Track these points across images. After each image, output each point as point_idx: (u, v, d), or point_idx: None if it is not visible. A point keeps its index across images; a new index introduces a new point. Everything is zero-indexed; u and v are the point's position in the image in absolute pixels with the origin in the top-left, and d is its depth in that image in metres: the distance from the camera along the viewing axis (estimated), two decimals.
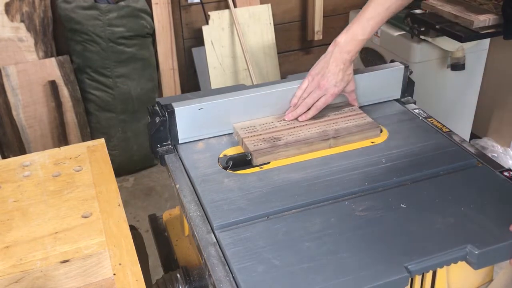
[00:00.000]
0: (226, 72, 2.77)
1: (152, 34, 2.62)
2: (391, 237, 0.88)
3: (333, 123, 1.20)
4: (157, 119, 1.14)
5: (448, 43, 2.13)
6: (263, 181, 1.03)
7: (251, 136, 1.15)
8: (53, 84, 2.47)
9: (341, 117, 1.22)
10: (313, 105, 1.20)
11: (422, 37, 2.15)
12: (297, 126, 1.19)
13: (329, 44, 1.20)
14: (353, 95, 1.25)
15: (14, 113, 2.45)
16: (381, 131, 1.20)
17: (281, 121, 1.21)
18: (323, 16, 3.00)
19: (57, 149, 1.18)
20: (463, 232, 0.88)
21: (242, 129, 1.18)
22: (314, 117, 1.21)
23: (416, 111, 1.29)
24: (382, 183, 1.02)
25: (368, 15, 1.16)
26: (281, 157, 1.11)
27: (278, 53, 2.91)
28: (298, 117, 1.21)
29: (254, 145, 1.11)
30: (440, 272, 0.95)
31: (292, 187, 1.01)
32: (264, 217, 0.94)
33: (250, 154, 1.10)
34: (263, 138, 1.14)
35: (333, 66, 1.17)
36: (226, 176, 1.05)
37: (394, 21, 2.32)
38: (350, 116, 1.22)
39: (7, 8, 2.36)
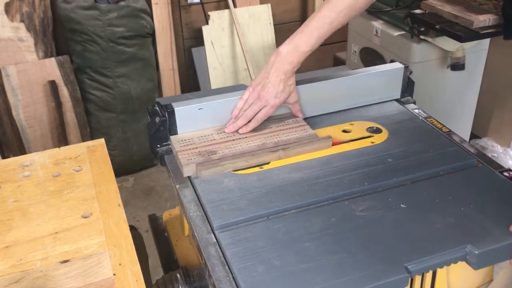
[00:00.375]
0: (226, 72, 2.77)
1: (152, 34, 2.62)
2: (391, 237, 0.88)
3: (274, 136, 1.15)
4: (157, 119, 1.14)
5: (448, 43, 2.13)
6: (263, 181, 1.03)
7: (186, 150, 1.10)
8: (53, 84, 2.47)
9: (283, 129, 1.18)
10: (254, 117, 1.16)
11: (422, 37, 2.15)
12: (236, 139, 1.14)
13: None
14: (297, 106, 1.21)
15: (14, 113, 2.45)
16: (382, 131, 1.20)
17: (221, 133, 1.17)
18: None
19: (57, 149, 1.18)
20: (463, 232, 0.88)
21: (179, 142, 1.13)
22: (255, 129, 1.17)
23: (416, 111, 1.29)
24: (382, 183, 1.02)
25: (312, 27, 1.13)
26: (216, 172, 1.06)
27: None
28: (238, 130, 1.17)
29: (187, 159, 1.07)
30: (440, 272, 0.95)
31: (292, 187, 1.01)
32: (264, 217, 0.94)
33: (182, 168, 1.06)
34: (199, 151, 1.10)
35: (274, 76, 1.14)
36: (226, 176, 1.05)
37: (394, 21, 2.32)
38: (292, 128, 1.18)
39: (7, 8, 2.36)
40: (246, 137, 1.15)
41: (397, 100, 1.35)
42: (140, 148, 2.71)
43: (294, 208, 0.96)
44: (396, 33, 2.28)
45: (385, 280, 0.79)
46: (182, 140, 1.14)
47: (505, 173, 1.04)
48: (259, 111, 1.16)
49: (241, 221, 0.93)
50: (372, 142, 1.16)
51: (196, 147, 1.11)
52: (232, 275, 0.82)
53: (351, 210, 0.95)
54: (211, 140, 1.14)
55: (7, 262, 0.87)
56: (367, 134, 1.20)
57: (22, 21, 2.39)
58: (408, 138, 1.17)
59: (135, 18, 2.47)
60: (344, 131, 1.21)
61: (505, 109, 2.60)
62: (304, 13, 3.05)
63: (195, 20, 2.83)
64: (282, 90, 1.15)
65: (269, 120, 1.20)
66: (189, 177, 1.07)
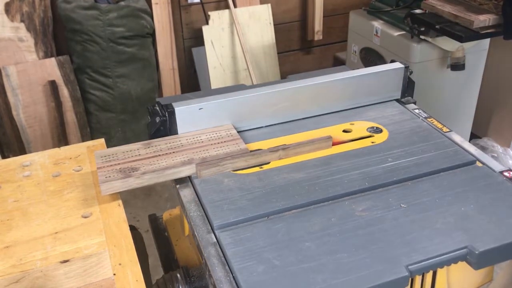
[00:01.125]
0: (226, 72, 2.77)
1: (152, 34, 2.62)
2: (391, 237, 0.88)
3: (203, 151, 1.11)
4: (157, 119, 1.14)
5: (448, 43, 2.13)
6: (263, 181, 1.03)
7: (107, 166, 1.06)
8: (53, 84, 2.47)
9: (214, 144, 1.13)
10: None
11: (422, 37, 2.15)
12: (162, 154, 1.09)
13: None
14: None
15: (14, 113, 2.45)
16: (382, 131, 1.20)
17: (148, 148, 1.11)
18: (323, 16, 3.00)
19: (57, 149, 1.18)
20: (463, 232, 0.88)
21: (101, 157, 1.08)
22: (186, 144, 1.13)
23: (416, 111, 1.29)
24: (382, 183, 1.02)
25: None
26: (216, 172, 1.05)
27: (278, 53, 2.91)
28: None
29: (106, 177, 1.02)
30: (440, 272, 0.95)
31: (292, 187, 1.01)
32: (264, 217, 0.94)
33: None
34: (120, 168, 1.05)
35: None
36: (226, 176, 1.05)
37: (394, 21, 2.32)
38: (224, 142, 1.14)
39: (7, 8, 2.36)
40: (173, 152, 1.11)
41: (397, 100, 1.35)
42: None
43: (294, 208, 0.96)
44: (396, 33, 2.28)
45: (385, 280, 0.79)
46: (105, 156, 1.09)
47: (505, 173, 1.04)
48: None
49: (241, 221, 0.93)
50: (373, 142, 1.16)
51: (118, 163, 1.07)
52: (232, 275, 0.82)
53: (351, 210, 0.95)
54: (136, 155, 1.10)
55: (7, 262, 0.87)
56: (368, 134, 1.20)
57: (22, 21, 2.39)
58: (408, 138, 1.17)
59: (135, 18, 2.47)
60: (344, 131, 1.21)
61: (505, 109, 2.60)
62: (304, 13, 3.05)
63: (195, 20, 2.83)
64: None
65: (203, 133, 1.17)
66: (189, 177, 1.07)
